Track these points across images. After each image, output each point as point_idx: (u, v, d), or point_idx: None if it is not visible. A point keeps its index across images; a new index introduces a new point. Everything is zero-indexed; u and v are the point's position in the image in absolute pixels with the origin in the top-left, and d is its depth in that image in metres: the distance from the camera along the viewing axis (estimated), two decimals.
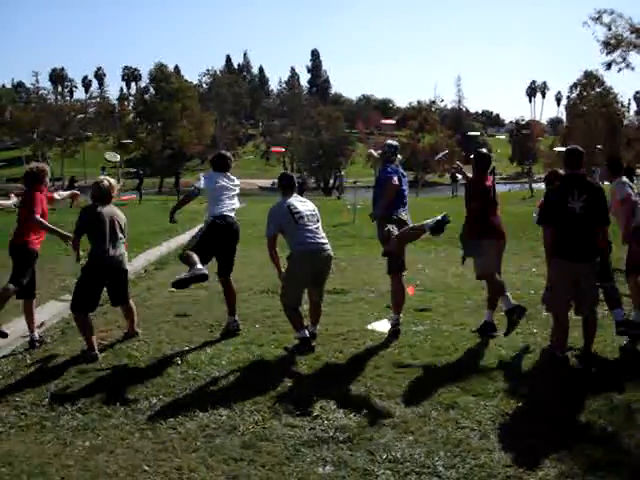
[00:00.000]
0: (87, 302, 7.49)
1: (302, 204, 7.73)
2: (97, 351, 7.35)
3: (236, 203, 8.27)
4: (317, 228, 7.66)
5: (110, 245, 7.49)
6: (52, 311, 9.47)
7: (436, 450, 4.94)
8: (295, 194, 7.87)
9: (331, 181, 73.73)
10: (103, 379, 6.61)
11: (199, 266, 7.38)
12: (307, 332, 7.51)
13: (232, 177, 8.37)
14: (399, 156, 8.27)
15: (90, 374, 6.76)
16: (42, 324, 8.57)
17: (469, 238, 7.86)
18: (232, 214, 8.07)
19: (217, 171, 8.29)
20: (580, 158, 6.89)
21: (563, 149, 8.04)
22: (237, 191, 8.35)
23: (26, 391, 6.29)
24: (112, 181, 7.99)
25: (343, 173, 57.48)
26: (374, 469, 4.70)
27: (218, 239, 7.92)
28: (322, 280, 7.83)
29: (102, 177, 8.11)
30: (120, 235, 7.65)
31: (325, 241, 7.65)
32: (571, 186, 6.69)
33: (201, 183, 8.10)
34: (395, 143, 8.40)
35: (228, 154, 8.72)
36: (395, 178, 7.87)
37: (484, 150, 8.42)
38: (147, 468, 4.77)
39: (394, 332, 7.81)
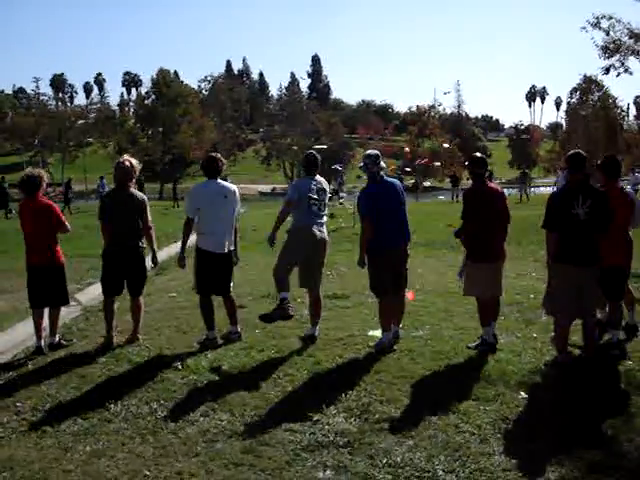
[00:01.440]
0: (107, 286, 8.12)
1: (319, 192, 7.98)
2: (113, 334, 8.03)
3: (227, 217, 7.94)
4: (322, 215, 7.99)
5: (125, 231, 7.92)
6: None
7: (436, 454, 4.95)
8: (317, 175, 8.14)
9: (330, 187, 73.60)
10: (104, 384, 6.62)
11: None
12: (287, 295, 7.91)
13: (222, 184, 8.03)
14: (382, 164, 7.81)
15: (91, 379, 6.77)
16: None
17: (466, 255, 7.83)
18: (220, 239, 7.85)
19: (208, 178, 8.00)
20: (584, 162, 6.88)
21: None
22: (230, 199, 7.96)
23: (27, 396, 6.30)
24: (134, 162, 8.14)
25: (345, 178, 57.31)
26: (374, 474, 4.71)
27: (212, 267, 7.94)
28: (315, 263, 7.98)
29: (125, 157, 8.26)
30: (138, 221, 7.97)
31: (324, 225, 8.02)
32: (576, 192, 6.70)
33: (189, 210, 8.06)
34: (374, 152, 7.87)
35: (218, 156, 8.26)
36: (368, 219, 7.64)
37: (478, 154, 8.09)
38: (148, 473, 4.78)
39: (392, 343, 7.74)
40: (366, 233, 7.64)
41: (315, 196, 7.90)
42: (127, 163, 8.01)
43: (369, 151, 7.98)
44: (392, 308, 7.80)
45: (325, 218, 8.09)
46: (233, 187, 8.12)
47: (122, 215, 7.95)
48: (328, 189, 8.15)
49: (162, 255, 15.99)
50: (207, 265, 7.93)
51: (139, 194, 8.16)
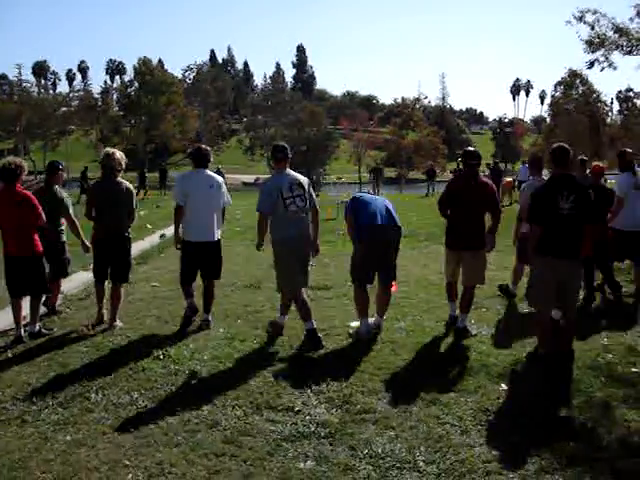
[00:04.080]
0: (97, 272, 8.46)
1: (294, 187, 7.58)
2: (118, 322, 8.28)
3: (213, 206, 8.12)
4: (303, 210, 7.62)
5: (111, 217, 8.14)
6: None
7: (417, 445, 4.97)
8: (288, 169, 7.74)
9: (314, 177, 73.50)
10: (85, 373, 6.57)
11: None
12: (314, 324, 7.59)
13: (210, 174, 8.24)
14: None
15: (71, 368, 6.73)
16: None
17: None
18: (206, 227, 8.05)
19: (197, 167, 8.19)
20: (567, 156, 6.88)
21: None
22: (216, 189, 8.14)
23: (7, 385, 6.27)
24: (122, 154, 8.37)
25: (322, 170, 56.92)
26: (355, 464, 4.72)
27: (197, 256, 8.12)
28: (304, 262, 7.82)
29: (112, 150, 8.45)
30: (126, 210, 8.24)
31: (304, 220, 7.70)
32: (560, 186, 6.71)
33: (177, 197, 8.13)
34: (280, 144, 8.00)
35: (208, 148, 8.51)
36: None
37: (471, 148, 8.28)
38: (128, 463, 4.76)
39: (373, 334, 7.77)
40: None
41: (290, 193, 7.54)
42: (118, 154, 8.25)
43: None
44: (364, 295, 7.82)
45: (305, 212, 7.71)
46: (220, 178, 8.31)
47: (113, 204, 8.17)
48: (303, 180, 7.79)
49: (145, 244, 16.01)
50: (193, 255, 8.09)
51: (127, 183, 8.37)
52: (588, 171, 10.04)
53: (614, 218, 9.33)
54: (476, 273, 7.92)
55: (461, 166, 8.01)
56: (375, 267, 7.80)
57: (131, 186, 8.41)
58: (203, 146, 8.60)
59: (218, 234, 8.21)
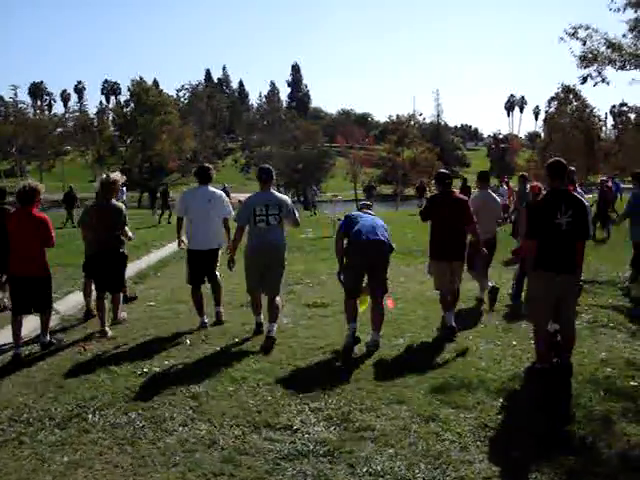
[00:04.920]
0: (96, 284, 9.09)
1: (267, 206, 8.31)
2: (107, 328, 8.80)
3: (212, 218, 8.99)
4: (270, 227, 8.31)
5: (103, 235, 8.80)
6: (29, 325, 9.35)
7: (417, 463, 4.94)
8: (270, 189, 8.52)
9: (310, 197, 73.54)
10: (81, 394, 6.54)
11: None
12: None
13: (210, 190, 9.07)
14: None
15: (68, 389, 6.69)
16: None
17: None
18: (205, 237, 8.96)
19: (200, 184, 9.03)
20: (564, 171, 6.93)
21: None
22: (214, 202, 9.05)
23: (4, 406, 6.23)
24: (118, 177, 9.08)
25: (315, 188, 56.86)
26: None
27: (198, 263, 9.11)
28: (271, 272, 8.40)
29: (108, 172, 9.24)
30: (118, 228, 8.89)
31: (272, 237, 8.32)
32: (559, 201, 6.72)
33: (178, 211, 9.19)
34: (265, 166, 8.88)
35: (210, 166, 9.46)
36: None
37: (442, 170, 9.33)
38: None
39: (370, 351, 7.81)
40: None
41: (263, 211, 8.28)
42: (112, 178, 8.99)
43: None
44: (351, 303, 8.13)
45: (274, 229, 8.36)
46: (219, 192, 9.25)
47: (105, 224, 8.80)
48: (282, 201, 8.47)
49: (141, 264, 15.99)
50: (195, 261, 9.08)
51: (118, 204, 9.05)
52: (528, 187, 10.69)
53: None
54: (458, 279, 8.77)
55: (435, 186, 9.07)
56: (359, 280, 8.07)
57: (122, 206, 9.07)
58: (206, 164, 9.65)
59: (220, 243, 9.16)
